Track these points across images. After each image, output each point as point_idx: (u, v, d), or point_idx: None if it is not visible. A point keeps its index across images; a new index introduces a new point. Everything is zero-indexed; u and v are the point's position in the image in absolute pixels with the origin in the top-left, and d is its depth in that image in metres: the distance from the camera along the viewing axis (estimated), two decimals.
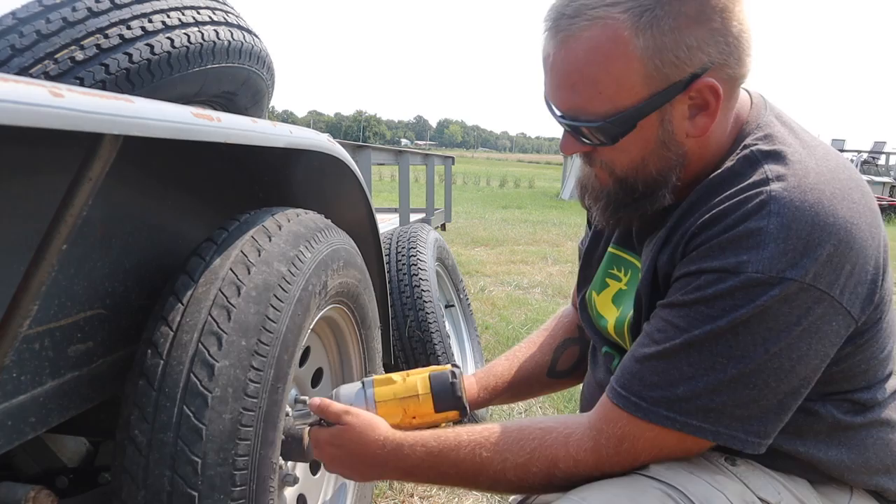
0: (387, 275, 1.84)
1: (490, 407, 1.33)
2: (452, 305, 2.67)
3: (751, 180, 0.85)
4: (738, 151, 0.89)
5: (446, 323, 2.47)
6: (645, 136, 0.88)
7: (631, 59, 0.83)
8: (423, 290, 2.17)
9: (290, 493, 1.23)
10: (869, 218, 0.85)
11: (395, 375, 1.08)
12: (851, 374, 0.89)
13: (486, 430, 0.95)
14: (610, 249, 1.11)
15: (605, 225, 1.01)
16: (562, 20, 0.85)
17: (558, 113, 0.90)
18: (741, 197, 0.83)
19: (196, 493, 0.83)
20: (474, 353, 2.70)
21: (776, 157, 0.86)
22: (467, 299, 2.78)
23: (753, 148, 0.88)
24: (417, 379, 1.06)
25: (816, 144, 0.90)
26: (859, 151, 18.78)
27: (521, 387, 1.29)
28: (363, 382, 1.08)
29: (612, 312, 1.08)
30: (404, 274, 2.19)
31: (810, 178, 0.83)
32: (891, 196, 13.62)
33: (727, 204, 0.84)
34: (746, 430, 0.83)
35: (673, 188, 0.92)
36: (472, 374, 1.29)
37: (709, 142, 0.90)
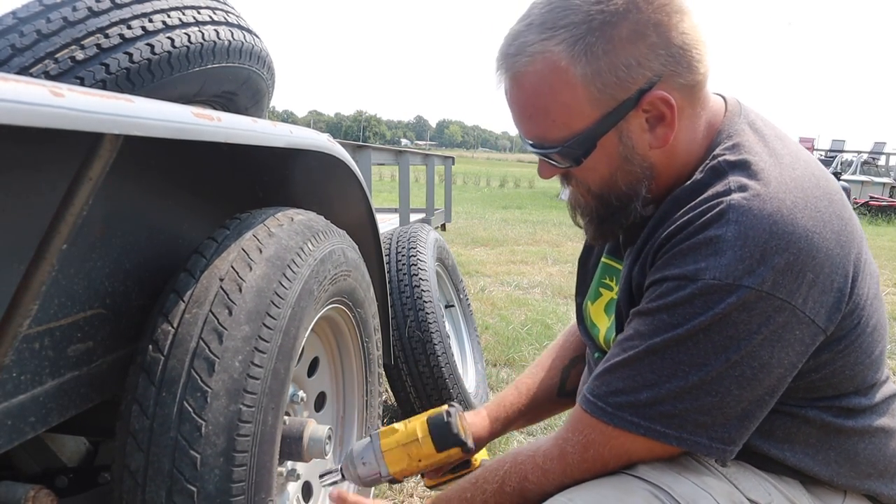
0: (387, 275, 1.84)
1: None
2: (452, 305, 2.67)
3: (714, 190, 0.86)
4: (707, 162, 0.91)
5: (446, 323, 2.46)
6: (608, 153, 0.91)
7: (574, 86, 0.87)
8: (423, 290, 2.16)
9: (293, 487, 1.24)
10: (836, 226, 0.85)
11: (398, 424, 1.14)
12: (836, 381, 0.89)
13: (472, 475, 1.02)
14: (603, 259, 1.14)
15: (594, 239, 1.05)
16: (507, 59, 0.90)
17: (528, 141, 0.95)
18: (704, 207, 0.85)
19: (195, 489, 0.84)
20: (474, 353, 2.70)
21: (741, 166, 0.87)
22: (467, 299, 2.78)
23: (720, 158, 0.89)
24: (416, 424, 1.12)
25: (786, 153, 0.91)
26: (859, 152, 18.76)
27: (532, 412, 1.32)
28: (371, 436, 1.14)
29: (604, 322, 1.10)
30: (404, 274, 2.19)
31: (772, 187, 0.84)
32: (891, 196, 13.59)
33: (691, 214, 0.86)
34: (710, 436, 0.84)
35: (644, 200, 0.94)
36: (483, 408, 1.32)
37: (676, 151, 0.92)
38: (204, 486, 0.84)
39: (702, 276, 0.81)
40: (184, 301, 0.91)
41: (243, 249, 0.97)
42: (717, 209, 0.84)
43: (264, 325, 0.93)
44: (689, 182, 0.90)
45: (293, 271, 1.01)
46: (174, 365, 0.87)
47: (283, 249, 1.02)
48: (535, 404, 1.31)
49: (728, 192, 0.85)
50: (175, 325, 0.89)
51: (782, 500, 0.89)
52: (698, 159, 0.92)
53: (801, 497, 0.91)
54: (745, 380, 0.82)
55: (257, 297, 0.94)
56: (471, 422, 1.26)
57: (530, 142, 0.95)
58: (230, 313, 0.90)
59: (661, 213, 0.91)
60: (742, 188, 0.84)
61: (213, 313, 0.90)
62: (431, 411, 1.14)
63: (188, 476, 0.84)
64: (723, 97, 0.99)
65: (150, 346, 0.89)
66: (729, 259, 0.80)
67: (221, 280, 0.93)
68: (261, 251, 0.98)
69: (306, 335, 1.08)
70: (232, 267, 0.94)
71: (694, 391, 0.83)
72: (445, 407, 1.14)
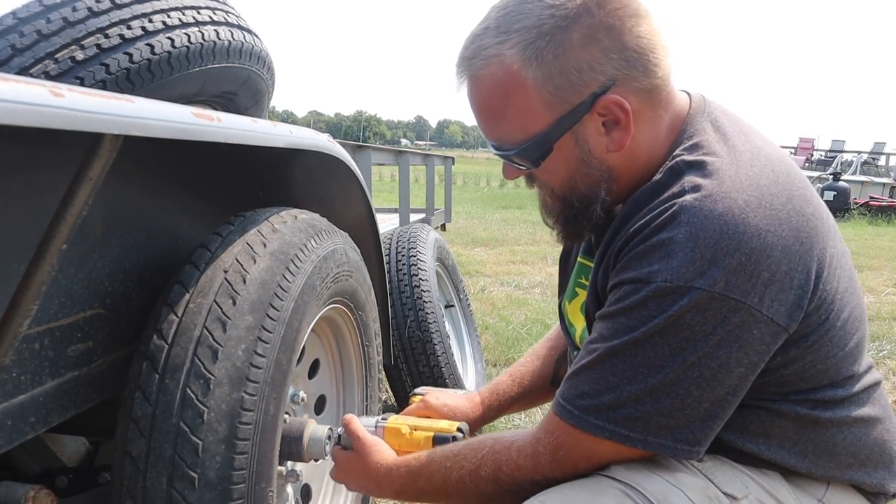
0: (387, 275, 1.84)
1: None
2: (452, 305, 2.67)
3: (670, 192, 0.86)
4: (667, 162, 0.91)
5: (446, 323, 2.46)
6: (565, 156, 0.92)
7: (527, 89, 0.88)
8: (423, 290, 2.17)
9: (293, 489, 1.24)
10: (795, 223, 0.84)
11: (405, 426, 1.14)
12: (808, 375, 0.89)
13: (455, 445, 1.03)
14: (579, 259, 1.15)
15: (562, 240, 1.06)
16: (464, 62, 0.92)
17: (490, 142, 0.97)
18: (659, 209, 0.85)
19: (196, 475, 0.84)
20: (474, 354, 2.70)
21: (697, 166, 0.87)
22: (467, 299, 2.78)
23: (679, 159, 0.89)
24: (422, 437, 1.13)
25: (746, 149, 0.90)
26: (859, 152, 18.76)
27: (525, 399, 1.35)
28: (376, 426, 1.15)
29: (580, 321, 1.10)
30: (404, 274, 2.19)
31: (725, 186, 0.84)
32: (891, 197, 13.58)
33: (647, 217, 0.86)
34: (675, 438, 0.84)
35: (604, 203, 0.95)
36: (477, 393, 1.34)
37: (636, 154, 0.92)
38: (205, 473, 0.85)
39: (654, 278, 0.82)
40: (188, 291, 0.92)
41: (247, 243, 0.98)
42: (670, 211, 0.84)
43: (267, 315, 0.94)
44: (649, 183, 0.90)
45: (296, 266, 1.02)
46: (178, 353, 0.88)
47: (287, 245, 1.03)
48: (528, 392, 1.33)
49: (682, 193, 0.85)
50: (179, 315, 0.90)
51: (760, 493, 0.89)
52: (661, 160, 0.92)
53: (781, 488, 0.91)
54: (704, 381, 0.82)
55: (261, 288, 0.95)
56: (465, 407, 1.29)
57: (492, 143, 0.96)
58: (234, 303, 0.91)
59: (623, 216, 0.92)
60: (695, 189, 0.84)
61: (217, 303, 0.91)
62: (441, 427, 1.14)
63: (189, 462, 0.84)
64: (688, 94, 0.98)
65: (154, 335, 0.89)
66: (680, 261, 0.81)
67: (226, 272, 0.94)
68: (265, 245, 0.99)
69: (308, 330, 1.09)
70: (236, 259, 0.95)
71: (654, 393, 0.83)
72: (456, 428, 1.14)
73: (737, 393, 0.85)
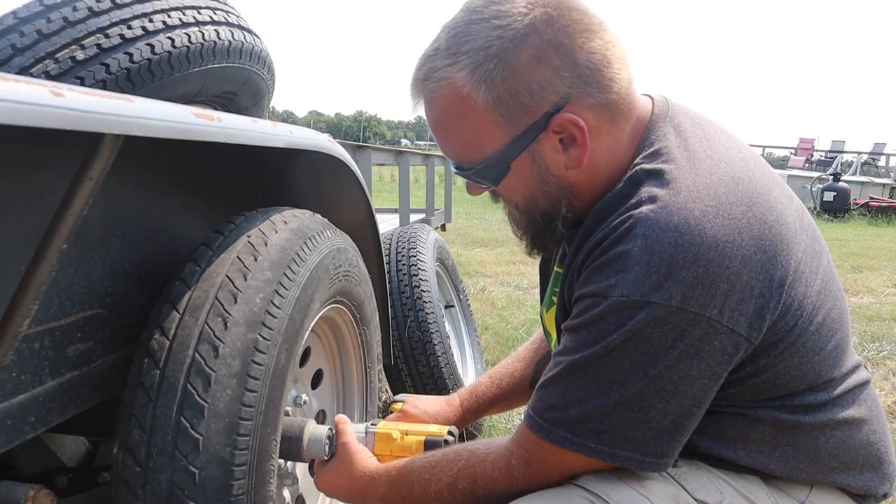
0: (387, 275, 1.84)
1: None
2: (452, 306, 2.67)
3: (629, 203, 0.86)
4: (628, 171, 0.89)
5: (446, 323, 2.46)
6: (523, 174, 0.92)
7: (479, 112, 0.88)
8: (422, 290, 2.16)
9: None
10: (756, 231, 0.82)
11: (396, 431, 1.14)
12: (783, 382, 0.87)
13: (433, 455, 1.02)
14: (555, 268, 1.14)
15: (530, 253, 1.06)
16: (417, 84, 0.92)
17: (450, 161, 0.97)
18: (617, 221, 0.85)
19: (206, 405, 0.86)
20: (474, 354, 2.70)
21: (655, 175, 0.86)
22: (467, 300, 2.78)
23: (638, 167, 0.88)
24: (413, 441, 1.13)
25: (706, 156, 0.88)
26: (859, 153, 18.75)
27: (505, 402, 1.36)
28: (366, 432, 1.15)
29: (556, 331, 1.09)
30: (404, 274, 2.19)
31: (681, 196, 0.82)
32: (891, 197, 13.58)
33: (606, 229, 0.86)
34: (643, 451, 0.83)
35: (565, 219, 0.95)
36: (456, 395, 1.35)
37: (596, 168, 0.91)
38: (215, 404, 0.86)
39: (611, 293, 0.81)
40: (212, 250, 0.97)
41: (270, 220, 1.04)
42: (627, 224, 0.83)
43: (285, 275, 0.99)
44: (611, 193, 0.90)
45: (314, 244, 1.08)
46: (199, 295, 0.92)
47: (306, 227, 1.09)
48: (508, 395, 1.34)
49: (639, 204, 0.84)
50: (202, 266, 0.94)
51: (736, 498, 0.88)
52: (624, 170, 0.91)
53: (760, 492, 0.90)
54: (667, 394, 0.81)
55: (280, 252, 1.00)
56: (445, 411, 1.30)
57: (452, 162, 0.96)
58: (255, 259, 0.96)
59: (586, 227, 0.91)
60: (651, 199, 0.83)
61: (239, 258, 0.95)
62: (431, 431, 1.15)
63: (200, 391, 0.86)
64: (651, 98, 0.97)
65: (178, 283, 0.93)
66: (636, 275, 0.80)
67: (249, 237, 0.99)
68: (286, 223, 1.06)
69: (320, 312, 1.13)
70: (259, 229, 1.01)
71: (618, 407, 0.82)
72: (446, 432, 1.14)
73: (701, 404, 0.84)
